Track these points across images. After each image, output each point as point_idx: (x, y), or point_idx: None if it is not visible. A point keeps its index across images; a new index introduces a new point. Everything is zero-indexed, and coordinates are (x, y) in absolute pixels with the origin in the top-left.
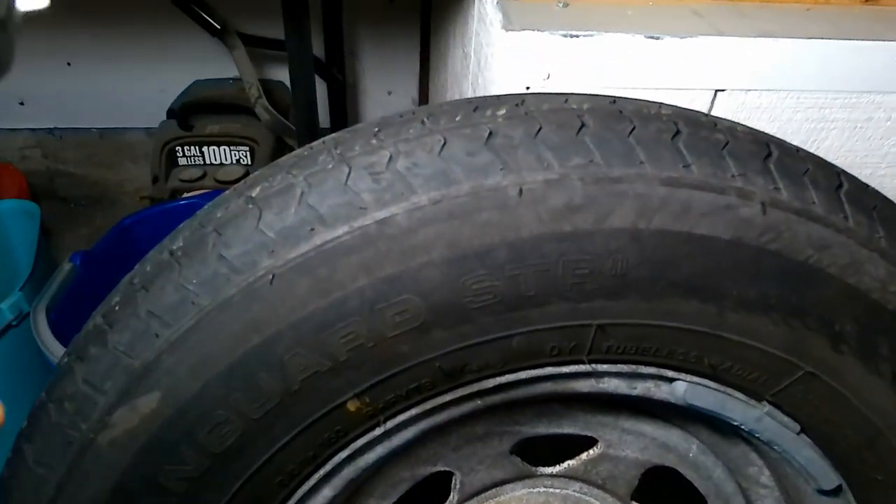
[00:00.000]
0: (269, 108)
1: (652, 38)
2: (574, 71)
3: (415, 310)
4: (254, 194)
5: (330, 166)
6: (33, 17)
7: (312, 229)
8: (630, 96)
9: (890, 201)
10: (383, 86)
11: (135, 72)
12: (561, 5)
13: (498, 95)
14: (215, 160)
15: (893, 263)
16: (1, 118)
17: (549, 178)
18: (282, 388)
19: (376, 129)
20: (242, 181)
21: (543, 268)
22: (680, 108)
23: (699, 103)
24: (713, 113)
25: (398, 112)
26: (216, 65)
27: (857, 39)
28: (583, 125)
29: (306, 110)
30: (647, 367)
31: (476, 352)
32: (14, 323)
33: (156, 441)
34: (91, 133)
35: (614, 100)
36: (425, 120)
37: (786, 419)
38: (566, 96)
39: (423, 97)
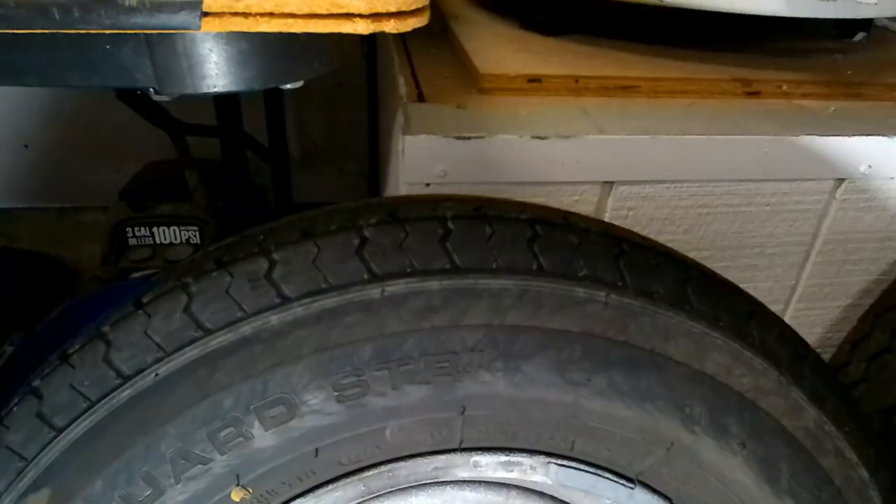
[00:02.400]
0: (206, 195)
1: (538, 138)
2: (468, 169)
3: (289, 405)
4: (145, 300)
5: (214, 274)
6: None
7: (195, 334)
8: (518, 193)
9: (736, 291)
10: (334, 163)
11: (91, 153)
12: (457, 108)
13: (377, 201)
14: (165, 240)
15: (735, 349)
16: None
17: (410, 282)
18: (167, 483)
19: (261, 237)
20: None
21: (405, 363)
22: (542, 210)
23: (589, 196)
24: (609, 202)
25: (287, 218)
26: (169, 146)
27: (732, 135)
28: (446, 232)
29: (242, 191)
30: (521, 454)
31: (351, 443)
32: None
33: None
34: (49, 212)
35: (480, 205)
36: (306, 229)
37: (655, 497)
38: (436, 204)
39: (374, 173)
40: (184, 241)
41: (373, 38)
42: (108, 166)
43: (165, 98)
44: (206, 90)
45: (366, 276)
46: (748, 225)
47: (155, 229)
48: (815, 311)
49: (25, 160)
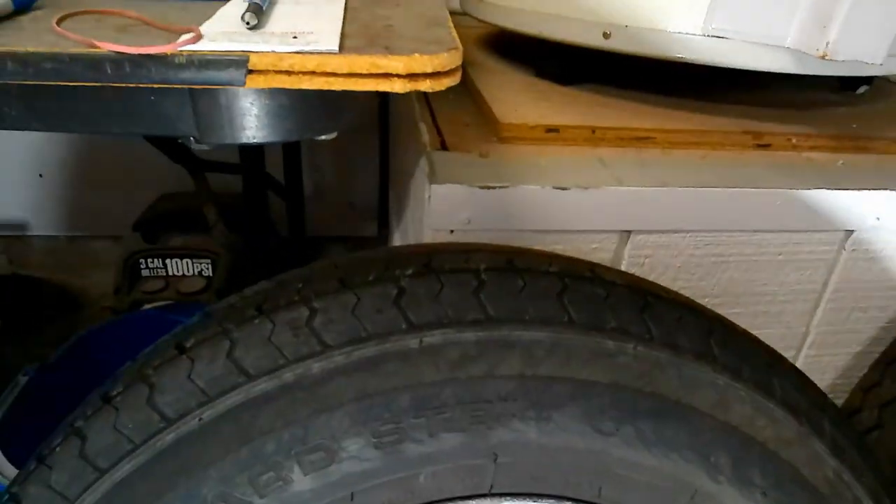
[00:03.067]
0: (225, 231)
1: (559, 188)
2: (491, 216)
3: (328, 451)
4: (187, 344)
5: (256, 321)
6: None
7: (238, 380)
8: (539, 240)
9: (757, 342)
10: (344, 198)
11: (104, 183)
12: (480, 157)
13: (411, 250)
14: (178, 272)
15: (758, 399)
16: None
17: (447, 333)
18: None
19: (300, 286)
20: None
21: (442, 411)
22: (570, 263)
23: (608, 244)
24: (626, 249)
25: (321, 264)
26: (183, 179)
27: (744, 187)
28: (480, 284)
29: (260, 227)
30: (548, 499)
31: (386, 488)
32: None
33: None
34: (59, 240)
35: (511, 258)
36: (343, 278)
37: None
38: (468, 255)
39: (384, 211)
40: (196, 273)
41: None
42: (121, 197)
43: (204, 147)
44: (245, 141)
45: (404, 327)
46: (761, 273)
47: (168, 261)
48: (825, 358)
49: (39, 189)
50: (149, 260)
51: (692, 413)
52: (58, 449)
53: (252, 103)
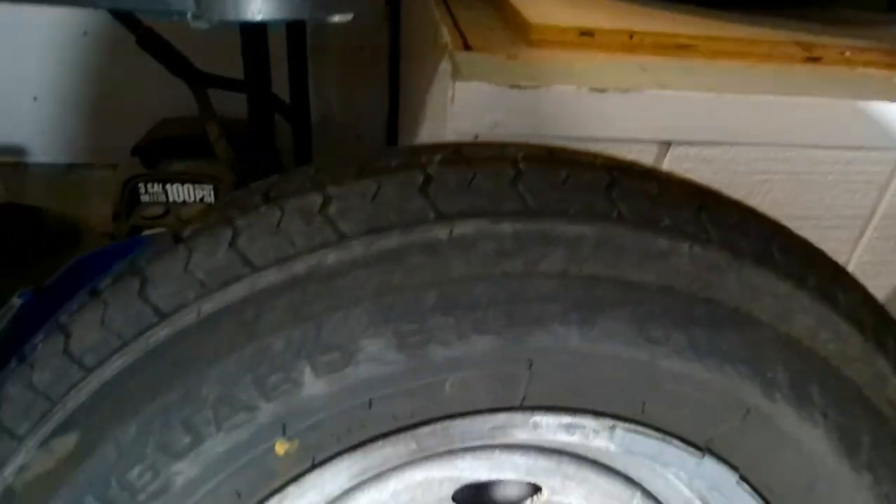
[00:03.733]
0: (229, 148)
1: (597, 90)
2: (520, 120)
3: (344, 352)
4: (184, 234)
5: (263, 209)
6: None
7: (242, 270)
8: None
9: (818, 251)
10: (351, 129)
11: (102, 108)
12: (508, 59)
13: (436, 143)
14: (178, 198)
15: (822, 311)
16: None
17: (481, 224)
18: (207, 430)
19: (312, 172)
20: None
21: (473, 311)
22: (616, 158)
23: (646, 155)
24: (665, 163)
25: (334, 159)
26: (187, 102)
27: (796, 96)
28: (518, 173)
29: (266, 151)
30: (585, 415)
31: (408, 395)
32: None
33: (74, 485)
34: (57, 168)
35: (551, 150)
36: (363, 165)
37: (723, 467)
38: (503, 146)
39: (392, 142)
40: (198, 199)
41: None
42: (120, 123)
43: (204, 25)
44: (249, 17)
45: (432, 216)
46: (807, 195)
47: (168, 186)
48: None
49: (35, 113)
50: (148, 185)
51: (751, 323)
52: (40, 346)
53: None
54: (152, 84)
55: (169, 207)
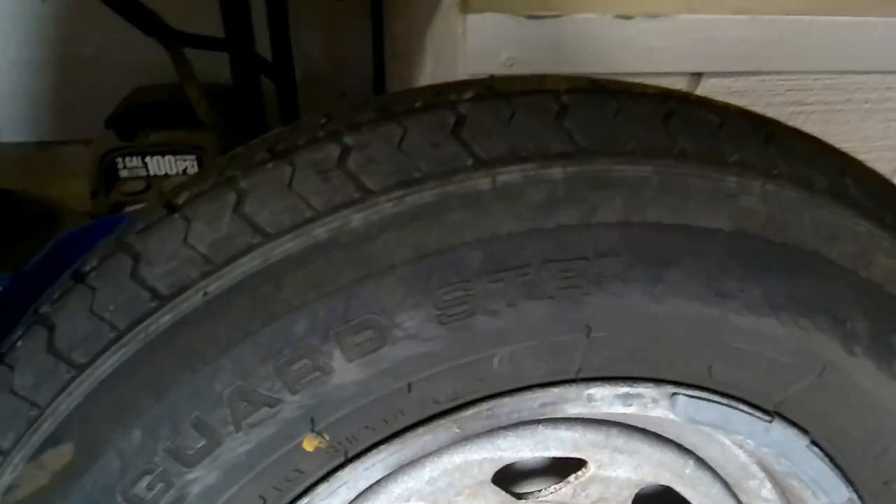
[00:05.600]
0: (211, 109)
1: (622, 17)
2: (539, 55)
3: (378, 330)
4: (179, 201)
5: (270, 165)
6: None
7: (252, 240)
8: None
9: (890, 183)
10: (336, 87)
11: (71, 79)
12: None
13: (462, 80)
14: (160, 171)
15: None
16: None
17: (527, 169)
18: (224, 431)
19: (323, 121)
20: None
21: (524, 273)
22: (665, 88)
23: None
24: None
25: (346, 103)
26: (158, 69)
27: (833, 16)
28: (562, 108)
29: (252, 112)
30: (644, 384)
31: (452, 375)
32: None
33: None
34: (27, 146)
35: (594, 80)
36: (382, 108)
37: (794, 431)
38: (541, 77)
39: (379, 94)
40: (181, 171)
41: None
42: (91, 94)
43: None
44: None
45: (469, 163)
46: (843, 126)
47: (148, 159)
48: None
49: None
50: (126, 159)
51: (830, 268)
52: (19, 343)
53: None
54: (124, 50)
55: (150, 181)
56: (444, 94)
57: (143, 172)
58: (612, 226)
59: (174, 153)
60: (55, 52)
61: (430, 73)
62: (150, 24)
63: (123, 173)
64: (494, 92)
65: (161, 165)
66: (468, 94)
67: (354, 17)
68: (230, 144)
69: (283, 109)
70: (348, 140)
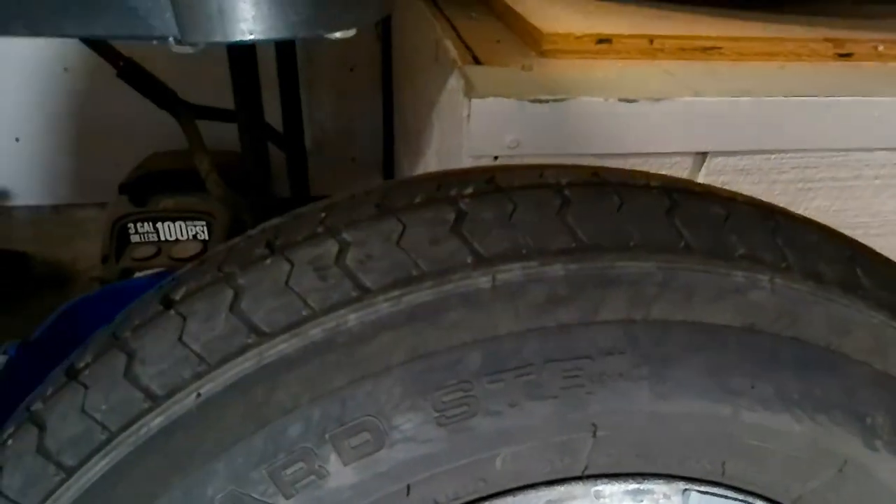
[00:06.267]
0: (221, 182)
1: (626, 100)
2: (543, 138)
3: (375, 432)
4: (176, 297)
5: (268, 261)
6: None
7: (247, 340)
8: (607, 164)
9: None
10: (347, 152)
11: (88, 145)
12: (523, 71)
13: (463, 170)
14: (170, 236)
15: None
16: None
17: (528, 267)
18: None
19: (322, 215)
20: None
21: (526, 372)
22: (669, 177)
23: (680, 169)
24: (700, 175)
25: (348, 192)
26: (173, 136)
27: (837, 96)
28: (564, 202)
29: (260, 183)
30: (655, 480)
31: (452, 476)
32: None
33: None
34: (43, 210)
35: (595, 171)
36: (381, 202)
37: None
38: (541, 169)
39: (388, 164)
40: (191, 236)
41: (388, 17)
42: (106, 160)
43: (188, 50)
44: (239, 37)
45: (469, 260)
46: (853, 202)
47: (159, 225)
48: None
49: (17, 155)
50: (138, 224)
51: (844, 362)
52: (9, 442)
53: None
54: (139, 118)
55: (160, 247)
56: (444, 189)
57: (154, 238)
58: (615, 324)
59: (185, 219)
60: (71, 121)
61: (435, 149)
62: (164, 97)
63: (135, 238)
64: (495, 186)
65: (172, 231)
66: (469, 190)
67: (366, 86)
68: (239, 212)
69: (293, 177)
70: (347, 236)
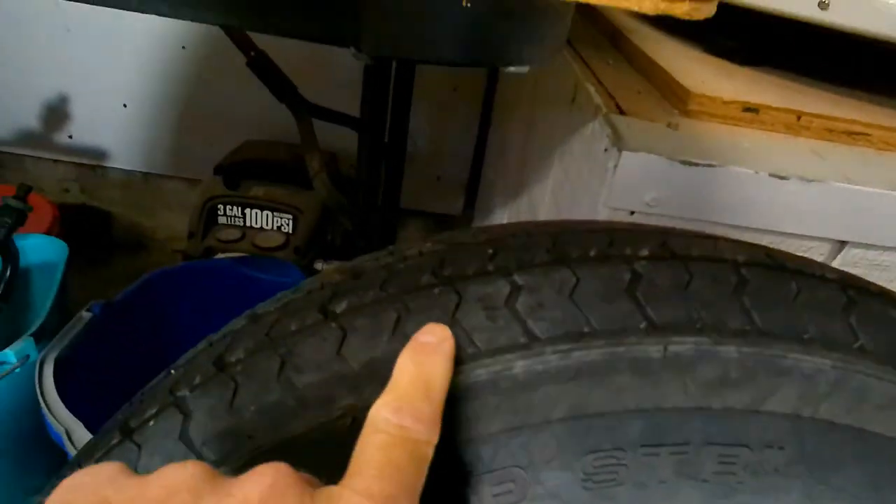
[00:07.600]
0: (328, 183)
1: (777, 176)
2: (684, 200)
3: (520, 483)
4: (338, 310)
5: (437, 291)
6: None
7: None
8: (740, 237)
9: None
10: (434, 170)
11: (188, 122)
12: (669, 128)
13: (629, 225)
14: (256, 224)
15: None
16: (48, 149)
17: (702, 342)
18: None
19: (490, 251)
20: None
21: (682, 451)
22: (843, 271)
23: (816, 254)
24: (834, 264)
25: (502, 225)
26: (269, 126)
27: None
28: (741, 281)
29: (368, 192)
30: None
31: None
32: (17, 370)
33: None
34: (134, 175)
35: (769, 252)
36: (552, 248)
37: None
38: (715, 240)
39: (473, 188)
40: (275, 227)
41: None
42: (201, 140)
43: (367, 60)
44: (429, 57)
45: (643, 326)
46: None
47: (247, 210)
48: None
49: (122, 120)
50: (228, 207)
51: None
52: (151, 423)
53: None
54: (239, 105)
55: (245, 232)
56: (618, 246)
57: (240, 222)
58: (781, 416)
59: (273, 209)
60: (178, 97)
61: (551, 188)
62: (286, 93)
63: (222, 220)
64: (671, 252)
65: (258, 219)
66: (644, 252)
67: (464, 107)
68: (342, 214)
69: (388, 187)
70: (518, 280)
